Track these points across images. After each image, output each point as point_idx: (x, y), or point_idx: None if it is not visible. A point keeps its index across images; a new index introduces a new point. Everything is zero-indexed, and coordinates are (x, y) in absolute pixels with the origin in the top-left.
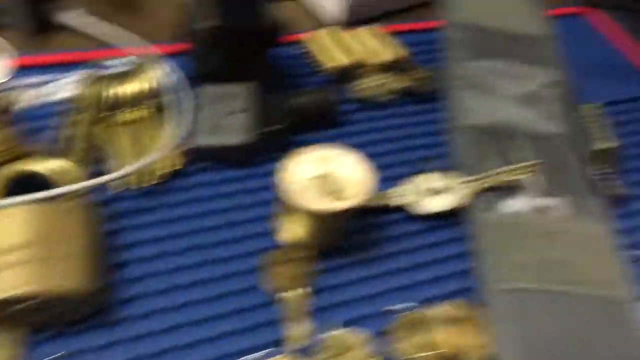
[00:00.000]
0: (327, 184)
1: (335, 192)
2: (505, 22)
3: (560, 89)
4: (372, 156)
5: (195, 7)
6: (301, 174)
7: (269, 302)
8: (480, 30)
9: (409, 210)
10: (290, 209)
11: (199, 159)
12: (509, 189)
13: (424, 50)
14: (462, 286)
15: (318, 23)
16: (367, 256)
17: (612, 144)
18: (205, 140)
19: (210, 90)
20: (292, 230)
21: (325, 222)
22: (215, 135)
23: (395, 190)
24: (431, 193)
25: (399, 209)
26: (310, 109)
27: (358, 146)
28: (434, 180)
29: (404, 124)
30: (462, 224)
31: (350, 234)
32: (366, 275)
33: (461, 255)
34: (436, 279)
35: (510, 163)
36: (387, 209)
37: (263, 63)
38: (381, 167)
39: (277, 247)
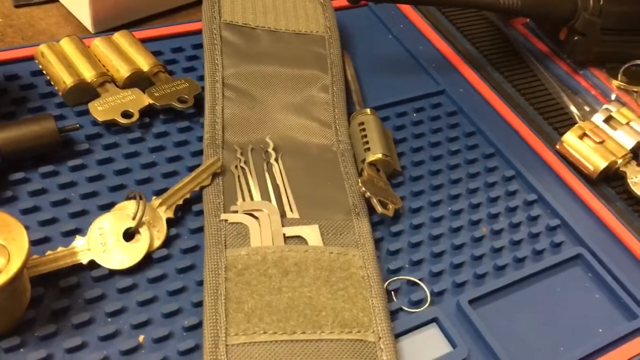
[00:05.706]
0: None
1: None
2: (277, 21)
3: (336, 93)
4: (110, 191)
5: None
6: None
7: None
8: (247, 31)
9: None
10: None
11: None
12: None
13: (183, 57)
14: (187, 346)
15: (78, 31)
16: (57, 329)
17: (387, 153)
18: None
19: None
20: None
21: None
22: None
23: (77, 245)
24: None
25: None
26: (24, 141)
27: (92, 180)
28: (125, 219)
29: (155, 147)
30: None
31: (40, 303)
32: (51, 353)
33: (184, 310)
34: (155, 342)
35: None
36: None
37: None
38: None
39: None
